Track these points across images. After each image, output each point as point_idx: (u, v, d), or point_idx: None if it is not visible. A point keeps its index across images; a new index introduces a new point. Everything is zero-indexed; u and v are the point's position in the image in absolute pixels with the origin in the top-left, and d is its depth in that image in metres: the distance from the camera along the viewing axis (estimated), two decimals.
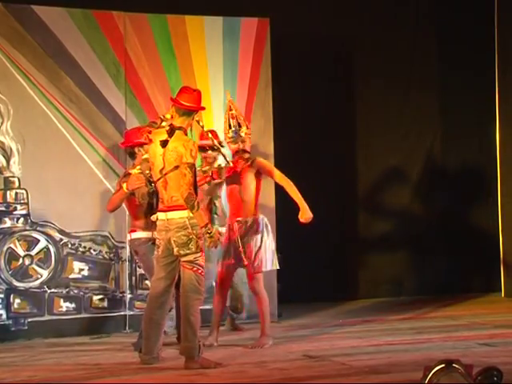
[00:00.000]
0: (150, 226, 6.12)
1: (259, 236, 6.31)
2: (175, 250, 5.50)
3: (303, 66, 9.07)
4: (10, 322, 7.03)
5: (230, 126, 6.37)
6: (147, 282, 7.03)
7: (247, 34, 7.88)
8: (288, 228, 8.18)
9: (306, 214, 6.28)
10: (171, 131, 5.50)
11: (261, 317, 6.37)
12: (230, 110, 6.43)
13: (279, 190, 7.90)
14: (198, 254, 5.49)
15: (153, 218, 5.90)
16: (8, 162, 7.10)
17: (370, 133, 9.52)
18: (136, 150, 6.37)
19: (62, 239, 7.18)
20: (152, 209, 6.17)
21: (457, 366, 3.61)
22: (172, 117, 5.59)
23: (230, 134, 6.36)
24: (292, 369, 5.33)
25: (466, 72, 9.59)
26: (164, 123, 5.55)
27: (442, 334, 6.61)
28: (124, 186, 6.16)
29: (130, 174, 6.22)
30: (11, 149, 7.11)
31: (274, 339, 6.45)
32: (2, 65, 7.08)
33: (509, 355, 5.51)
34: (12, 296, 7.05)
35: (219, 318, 6.41)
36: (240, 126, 6.37)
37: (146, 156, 5.92)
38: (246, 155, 6.40)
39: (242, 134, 6.36)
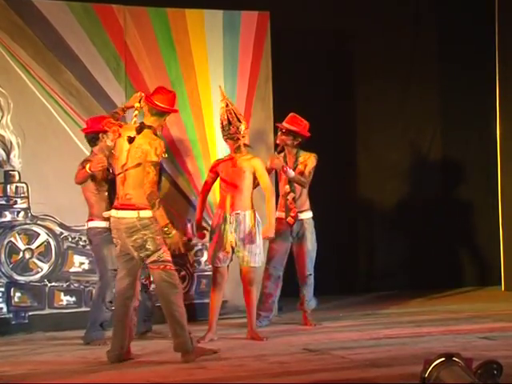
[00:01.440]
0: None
1: (256, 229, 6.34)
2: (135, 254, 5.48)
3: (303, 61, 9.05)
4: (11, 315, 7.03)
5: (229, 122, 6.37)
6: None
7: (247, 28, 7.87)
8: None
9: (269, 232, 6.39)
10: (140, 128, 5.48)
11: (250, 310, 6.40)
12: (227, 106, 6.44)
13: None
14: (161, 251, 5.44)
15: (105, 214, 5.97)
16: (8, 155, 7.10)
17: (369, 128, 9.50)
18: (100, 136, 6.43)
19: (62, 233, 7.18)
20: (110, 199, 6.24)
21: (457, 360, 3.62)
22: (141, 107, 5.58)
23: (232, 131, 6.37)
24: (292, 362, 5.34)
25: (466, 67, 9.57)
26: (134, 120, 5.50)
27: (441, 328, 6.63)
28: (87, 166, 6.24)
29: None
30: (11, 142, 7.11)
31: (275, 333, 6.45)
32: (2, 58, 7.07)
33: (509, 349, 5.52)
34: (12, 289, 7.05)
35: (217, 311, 6.42)
36: (240, 121, 6.39)
37: (110, 143, 5.93)
38: (245, 150, 6.46)
39: (242, 128, 6.37)
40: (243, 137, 6.43)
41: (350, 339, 6.24)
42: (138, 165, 5.42)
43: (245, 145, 6.48)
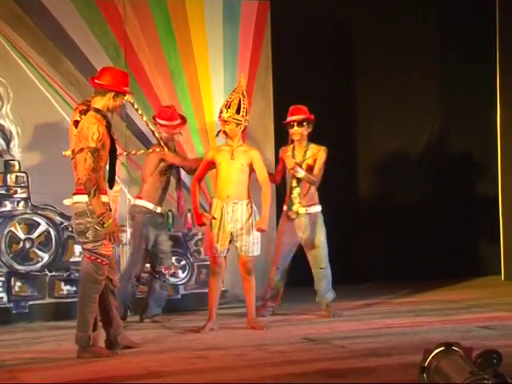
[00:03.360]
0: (159, 200, 6.69)
1: (252, 219, 6.34)
2: (76, 237, 5.45)
3: (303, 50, 9.04)
4: (11, 304, 7.04)
5: (228, 106, 6.34)
6: (147, 265, 7.05)
7: (247, 17, 7.85)
8: None
9: (262, 224, 6.35)
10: (85, 112, 5.35)
11: (251, 299, 6.41)
12: (243, 94, 6.39)
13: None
14: (98, 243, 5.34)
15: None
16: (8, 145, 7.09)
17: (370, 118, 9.50)
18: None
19: (62, 222, 7.18)
20: (167, 185, 6.77)
21: (456, 349, 3.62)
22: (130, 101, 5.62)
23: (224, 115, 6.32)
24: (292, 352, 5.35)
25: (467, 57, 9.55)
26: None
27: (441, 317, 6.63)
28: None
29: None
30: (11, 132, 7.10)
31: (275, 322, 6.45)
32: (1, 48, 7.05)
33: (508, 338, 5.53)
34: (13, 279, 7.06)
35: (216, 301, 6.42)
36: (247, 114, 6.37)
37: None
38: (241, 141, 6.46)
39: (243, 122, 6.36)
40: (241, 129, 6.40)
41: (350, 329, 6.25)
42: (82, 150, 5.28)
43: (243, 134, 6.45)
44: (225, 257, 6.41)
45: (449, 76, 9.67)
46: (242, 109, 6.32)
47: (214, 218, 6.30)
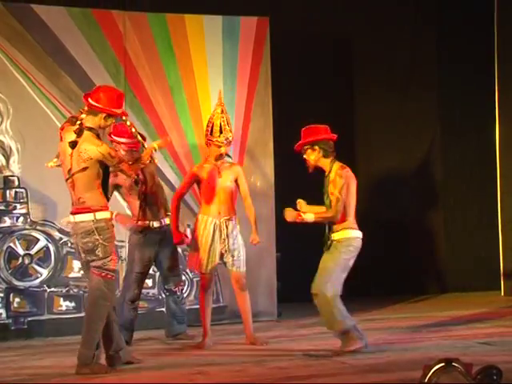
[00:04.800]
0: (152, 215, 6.53)
1: (239, 235, 6.35)
2: (82, 256, 5.43)
3: (303, 65, 9.06)
4: (10, 321, 7.03)
5: (221, 130, 6.35)
6: (147, 280, 7.04)
7: (247, 33, 7.88)
8: (288, 227, 8.18)
9: (257, 237, 6.45)
10: (79, 131, 5.34)
11: (247, 315, 6.39)
12: (222, 112, 6.42)
13: (278, 190, 7.92)
14: (108, 259, 5.35)
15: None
16: (8, 161, 7.11)
17: (369, 132, 9.52)
18: None
19: (61, 238, 7.18)
20: (146, 196, 6.52)
21: (456, 365, 3.62)
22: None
23: (221, 139, 6.35)
24: (292, 368, 5.34)
25: (466, 73, 9.59)
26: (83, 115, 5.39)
27: (441, 333, 6.62)
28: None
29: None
30: (11, 148, 7.11)
31: (275, 338, 6.44)
32: (1, 64, 7.08)
33: (508, 354, 5.51)
34: (12, 295, 7.05)
35: (209, 317, 6.41)
36: (230, 131, 6.40)
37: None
38: (229, 159, 6.51)
39: (230, 138, 6.40)
40: (228, 146, 6.43)
41: None
42: (85, 169, 5.30)
43: (226, 154, 6.47)
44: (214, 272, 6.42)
45: (448, 91, 9.69)
46: (229, 127, 6.39)
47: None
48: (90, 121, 5.38)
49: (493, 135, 9.48)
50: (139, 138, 5.92)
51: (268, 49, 7.94)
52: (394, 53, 9.54)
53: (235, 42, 7.85)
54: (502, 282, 9.38)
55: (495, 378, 3.69)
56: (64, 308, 7.19)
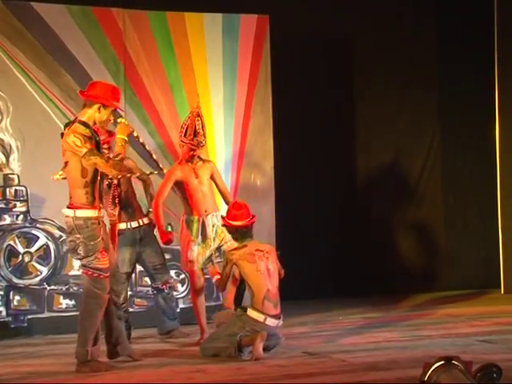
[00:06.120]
0: (127, 215, 6.46)
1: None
2: (69, 254, 5.43)
3: (302, 64, 9.05)
4: (10, 318, 7.03)
5: (195, 133, 6.37)
6: (146, 278, 7.04)
7: (247, 31, 7.88)
8: (287, 225, 8.19)
9: None
10: (70, 123, 5.34)
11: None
12: (198, 116, 6.43)
13: (279, 188, 7.92)
14: (91, 258, 5.28)
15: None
16: (7, 159, 7.10)
17: (369, 131, 9.51)
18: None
19: (61, 236, 7.17)
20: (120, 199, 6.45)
21: (456, 363, 3.62)
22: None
23: (194, 142, 6.37)
24: (291, 365, 5.33)
25: (466, 72, 9.57)
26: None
27: (441, 331, 6.62)
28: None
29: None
30: (11, 146, 7.11)
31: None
32: (1, 62, 7.08)
33: (508, 352, 5.51)
34: (12, 293, 7.05)
35: (204, 315, 6.45)
36: (204, 136, 6.43)
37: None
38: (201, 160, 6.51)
39: (203, 143, 6.45)
40: (200, 149, 6.45)
41: (350, 343, 6.23)
42: (66, 163, 5.29)
43: (199, 157, 6.48)
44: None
45: (448, 91, 9.68)
46: (203, 131, 6.43)
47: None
48: (84, 114, 5.35)
49: (493, 135, 9.48)
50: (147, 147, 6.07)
51: (268, 47, 7.94)
52: (394, 53, 9.52)
53: (235, 40, 7.85)
54: (502, 280, 9.38)
55: (495, 376, 3.69)
56: (64, 306, 7.19)
